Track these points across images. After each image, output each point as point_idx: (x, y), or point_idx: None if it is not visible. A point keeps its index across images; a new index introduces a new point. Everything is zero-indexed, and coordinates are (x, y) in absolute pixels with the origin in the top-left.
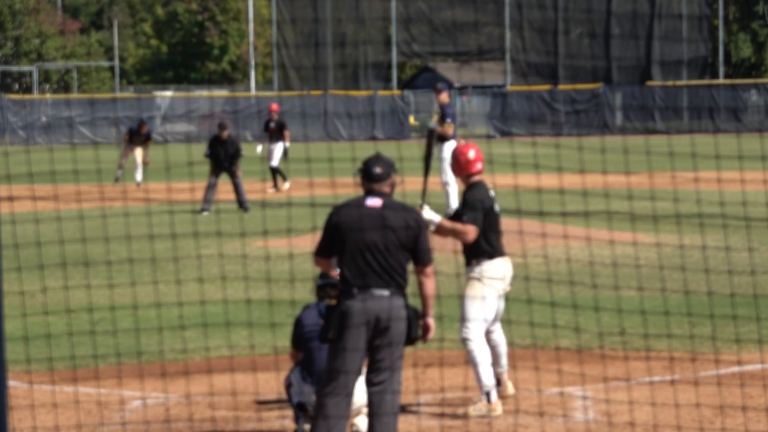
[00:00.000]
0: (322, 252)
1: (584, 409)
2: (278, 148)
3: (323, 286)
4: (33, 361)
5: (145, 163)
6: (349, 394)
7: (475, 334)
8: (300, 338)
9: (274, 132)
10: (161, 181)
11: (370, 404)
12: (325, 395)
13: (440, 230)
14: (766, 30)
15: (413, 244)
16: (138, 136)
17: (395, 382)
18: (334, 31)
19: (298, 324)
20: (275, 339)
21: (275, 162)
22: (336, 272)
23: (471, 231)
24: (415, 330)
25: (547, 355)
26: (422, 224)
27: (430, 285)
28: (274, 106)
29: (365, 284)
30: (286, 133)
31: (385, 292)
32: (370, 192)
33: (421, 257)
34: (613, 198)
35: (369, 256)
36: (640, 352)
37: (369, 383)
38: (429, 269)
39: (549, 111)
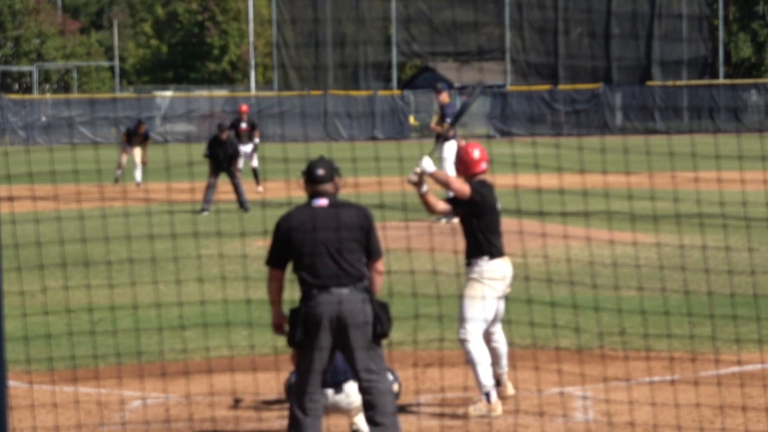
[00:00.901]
0: (274, 261)
1: (584, 409)
2: (250, 148)
3: None
4: (33, 361)
5: (144, 163)
6: (320, 392)
7: (472, 335)
8: None
9: (245, 132)
10: (161, 181)
11: (366, 407)
12: (300, 395)
13: (435, 176)
14: (766, 30)
15: (365, 240)
16: (136, 136)
17: (384, 381)
18: (334, 31)
19: None
20: (275, 339)
21: (256, 162)
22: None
23: (465, 186)
24: (384, 326)
25: (547, 355)
26: (371, 220)
27: (378, 282)
28: (244, 107)
29: (323, 284)
30: (256, 132)
31: (345, 290)
32: (314, 194)
33: (372, 252)
34: (613, 198)
35: (324, 255)
36: (640, 352)
37: (360, 388)
38: (379, 265)
39: (549, 111)
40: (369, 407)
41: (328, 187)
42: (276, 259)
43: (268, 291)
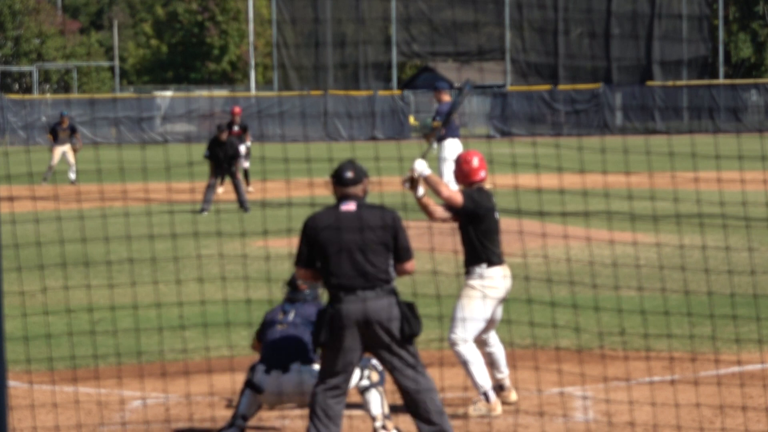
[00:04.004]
0: (303, 262)
1: (584, 409)
2: (242, 150)
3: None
4: (33, 361)
5: (74, 150)
6: (345, 393)
7: (461, 338)
8: (262, 331)
9: (236, 135)
10: (161, 181)
11: (410, 407)
12: (327, 396)
13: (428, 180)
14: (766, 30)
15: (392, 242)
16: (62, 131)
17: (425, 380)
18: (334, 31)
19: (264, 318)
20: None
21: (247, 163)
22: (305, 286)
23: (457, 195)
24: (413, 326)
25: (547, 355)
26: (399, 222)
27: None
28: (237, 109)
29: (350, 287)
30: (248, 135)
31: (370, 293)
32: (343, 197)
33: (401, 254)
34: (613, 198)
35: (350, 258)
36: (640, 352)
37: (400, 390)
38: (409, 265)
39: (549, 111)
40: (413, 406)
41: (356, 189)
42: (304, 260)
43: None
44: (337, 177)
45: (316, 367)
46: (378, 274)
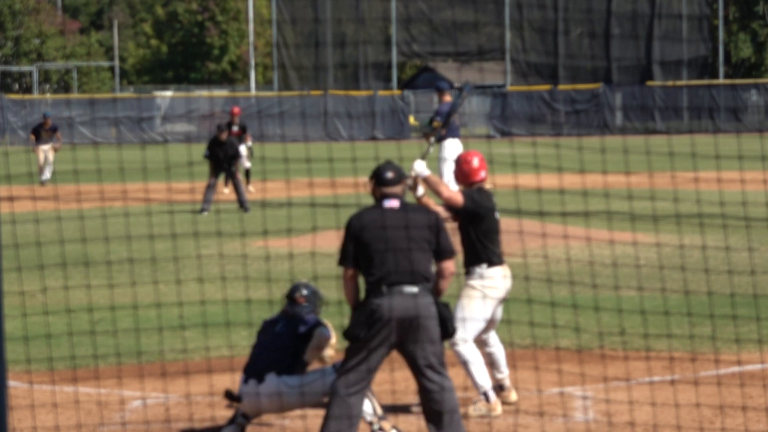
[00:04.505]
0: (347, 260)
1: (584, 409)
2: (243, 150)
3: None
4: (33, 361)
5: (55, 150)
6: (367, 392)
7: (461, 338)
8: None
9: (235, 135)
10: (161, 181)
11: (428, 405)
12: (349, 394)
13: (428, 181)
14: (766, 30)
15: (434, 240)
16: (45, 132)
17: (447, 380)
18: (334, 31)
19: (260, 326)
20: None
21: (249, 163)
22: (302, 300)
23: (458, 196)
24: (449, 326)
25: (547, 355)
26: (442, 222)
27: (448, 280)
28: (236, 109)
29: (393, 282)
30: (248, 136)
31: (414, 289)
32: (384, 196)
33: (442, 252)
34: (613, 198)
35: (395, 254)
36: (640, 352)
37: (421, 388)
38: (451, 264)
39: (549, 111)
40: (432, 404)
41: (396, 189)
42: (348, 258)
43: (345, 293)
44: (378, 177)
45: (294, 378)
46: (421, 271)
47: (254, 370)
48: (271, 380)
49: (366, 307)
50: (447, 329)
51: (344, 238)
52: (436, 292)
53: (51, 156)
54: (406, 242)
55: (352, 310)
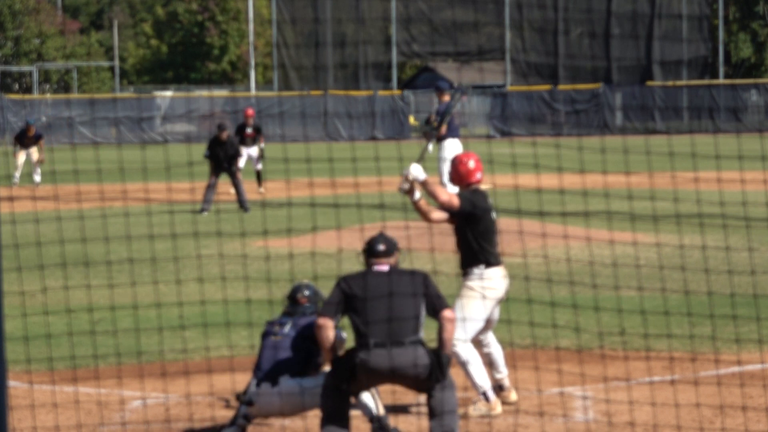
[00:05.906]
0: (329, 312)
1: (584, 409)
2: (255, 151)
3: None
4: (33, 361)
5: (40, 161)
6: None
7: (458, 338)
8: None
9: (250, 137)
10: (161, 181)
11: (429, 403)
12: (340, 399)
13: (425, 185)
14: (766, 30)
15: (422, 302)
16: (27, 139)
17: (447, 379)
18: (334, 31)
19: (264, 328)
20: None
21: (260, 165)
22: (304, 300)
23: (454, 199)
24: (437, 373)
25: (547, 355)
26: (428, 280)
27: (449, 330)
28: (250, 111)
29: (384, 337)
30: (262, 137)
31: (402, 345)
32: (374, 265)
33: (436, 305)
34: (613, 198)
35: (383, 309)
36: (640, 352)
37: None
38: (447, 312)
39: (549, 111)
40: (433, 401)
41: (388, 261)
42: (332, 312)
43: (320, 339)
44: (370, 250)
45: (310, 380)
46: (406, 329)
47: (267, 373)
48: (288, 383)
49: (351, 361)
50: (430, 378)
51: (331, 292)
52: (443, 343)
53: (35, 157)
54: (393, 299)
55: (332, 359)
